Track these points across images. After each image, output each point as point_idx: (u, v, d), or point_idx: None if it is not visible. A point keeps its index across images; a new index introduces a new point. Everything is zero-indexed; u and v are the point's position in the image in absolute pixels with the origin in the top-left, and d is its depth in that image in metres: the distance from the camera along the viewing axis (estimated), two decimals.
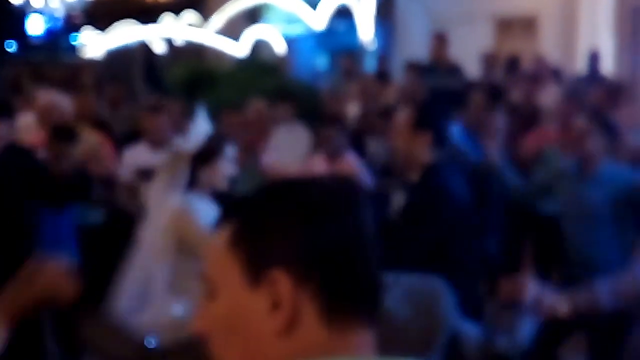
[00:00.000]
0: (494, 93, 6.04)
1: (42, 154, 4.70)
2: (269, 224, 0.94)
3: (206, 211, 3.36)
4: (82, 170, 4.51)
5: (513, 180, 4.39)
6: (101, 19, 16.91)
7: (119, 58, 14.00)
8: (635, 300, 2.65)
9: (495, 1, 11.09)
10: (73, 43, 18.39)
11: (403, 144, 3.47)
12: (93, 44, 15.46)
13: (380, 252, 0.97)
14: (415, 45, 10.44)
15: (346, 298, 0.93)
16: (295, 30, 12.70)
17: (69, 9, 19.14)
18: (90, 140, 5.03)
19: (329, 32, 12.05)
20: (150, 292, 3.36)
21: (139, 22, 15.08)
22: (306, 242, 0.93)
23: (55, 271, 1.63)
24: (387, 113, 5.69)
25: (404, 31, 11.71)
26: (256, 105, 5.93)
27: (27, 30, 19.08)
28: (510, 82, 7.21)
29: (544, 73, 7.63)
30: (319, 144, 5.20)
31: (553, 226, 4.17)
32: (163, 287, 3.32)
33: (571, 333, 3.87)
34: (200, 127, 3.50)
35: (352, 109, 6.79)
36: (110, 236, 4.78)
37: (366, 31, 11.31)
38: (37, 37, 19.15)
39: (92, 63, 13.99)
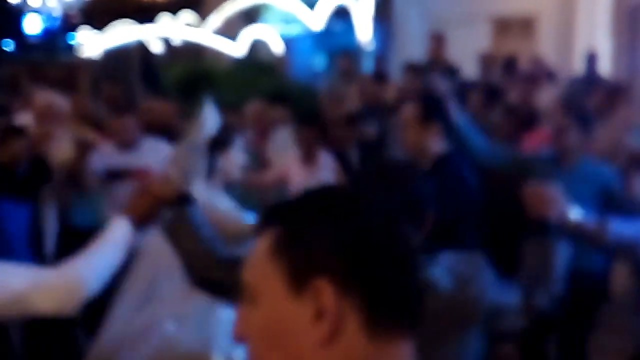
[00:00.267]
0: (492, 94, 6.06)
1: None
2: (314, 232, 0.93)
3: (223, 202, 3.35)
4: (38, 159, 4.50)
5: (490, 150, 4.29)
6: (99, 19, 16.90)
7: (117, 58, 13.99)
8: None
9: (493, 2, 11.10)
10: (70, 42, 18.37)
11: (414, 137, 3.55)
12: (90, 43, 15.43)
13: (422, 264, 0.98)
14: (413, 46, 10.45)
15: (389, 309, 0.93)
16: (293, 31, 12.69)
17: (67, 9, 19.10)
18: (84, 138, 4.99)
19: (327, 32, 12.05)
20: (156, 297, 3.31)
21: (136, 22, 15.07)
22: (351, 252, 0.92)
23: (160, 180, 2.15)
24: (351, 120, 5.66)
25: (401, 32, 11.70)
26: (254, 106, 5.93)
27: (24, 30, 19.03)
28: (508, 83, 7.21)
29: (542, 74, 7.64)
30: (295, 144, 5.13)
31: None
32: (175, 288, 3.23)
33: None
34: (212, 119, 3.49)
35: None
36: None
37: (364, 31, 11.31)
38: (35, 37, 19.10)
39: (89, 63, 13.97)
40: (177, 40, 14.44)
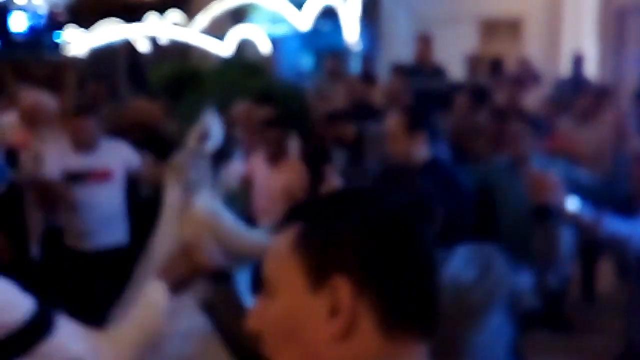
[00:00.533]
0: (479, 95, 6.07)
1: (26, 154, 4.64)
2: (337, 230, 0.95)
3: (228, 217, 3.30)
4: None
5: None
6: (85, 17, 16.81)
7: (103, 56, 13.94)
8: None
9: (480, 3, 11.14)
10: (56, 41, 18.25)
11: (401, 145, 3.61)
12: (77, 42, 15.36)
13: (440, 263, 0.99)
14: (400, 47, 10.47)
15: (404, 309, 0.94)
16: (281, 30, 12.69)
17: (53, 7, 18.98)
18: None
19: (314, 32, 12.06)
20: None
21: (123, 21, 15.02)
22: (370, 252, 0.93)
23: (200, 248, 2.07)
24: (334, 118, 5.66)
25: (389, 32, 11.73)
26: (242, 106, 5.91)
27: (9, 28, 18.90)
28: (495, 84, 7.24)
29: (528, 75, 7.67)
30: (261, 144, 5.01)
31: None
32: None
33: None
34: (216, 129, 3.46)
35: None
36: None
37: (351, 32, 11.33)
38: (20, 35, 18.97)
39: (75, 61, 13.91)
40: (164, 40, 14.40)
